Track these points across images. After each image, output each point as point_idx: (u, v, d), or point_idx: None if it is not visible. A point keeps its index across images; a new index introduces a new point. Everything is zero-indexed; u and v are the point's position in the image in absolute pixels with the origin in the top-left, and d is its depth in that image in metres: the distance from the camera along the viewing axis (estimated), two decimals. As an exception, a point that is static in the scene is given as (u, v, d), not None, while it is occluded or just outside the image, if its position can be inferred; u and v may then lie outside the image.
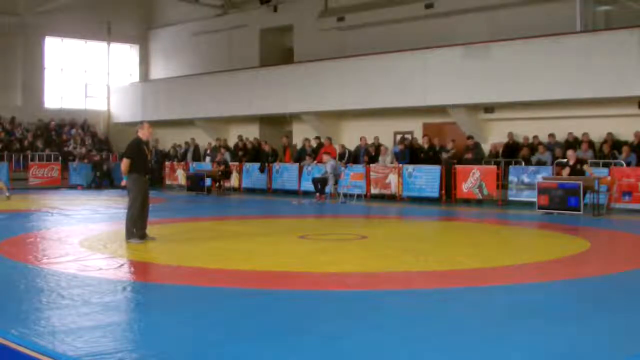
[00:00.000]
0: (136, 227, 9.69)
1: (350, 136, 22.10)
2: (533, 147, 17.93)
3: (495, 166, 17.50)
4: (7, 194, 18.36)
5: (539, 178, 15.58)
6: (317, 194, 18.35)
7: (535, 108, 18.47)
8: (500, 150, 18.60)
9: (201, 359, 4.38)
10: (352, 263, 8.24)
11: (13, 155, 25.12)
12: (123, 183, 10.52)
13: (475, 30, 19.85)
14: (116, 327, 5.11)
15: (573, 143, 17.20)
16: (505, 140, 18.89)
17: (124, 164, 9.77)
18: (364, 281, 7.11)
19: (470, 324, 5.26)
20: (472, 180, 17.44)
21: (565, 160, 15.51)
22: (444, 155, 18.40)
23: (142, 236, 9.75)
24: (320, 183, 18.42)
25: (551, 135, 17.97)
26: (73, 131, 28.09)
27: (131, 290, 6.59)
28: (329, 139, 21.04)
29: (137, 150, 9.77)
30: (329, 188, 18.53)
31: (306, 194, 20.07)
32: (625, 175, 15.19)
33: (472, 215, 15.33)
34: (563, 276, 7.36)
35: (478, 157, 18.21)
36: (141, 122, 10.32)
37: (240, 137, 24.10)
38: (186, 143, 26.18)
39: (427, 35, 20.84)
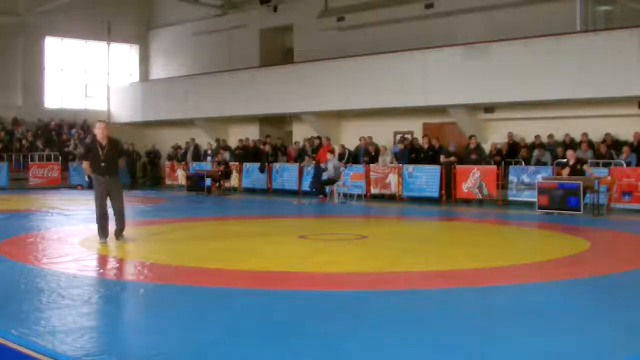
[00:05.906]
0: (102, 225, 9.60)
1: (350, 136, 22.09)
2: (534, 147, 17.91)
3: (495, 166, 17.48)
4: None
5: (539, 178, 15.58)
6: (321, 195, 18.28)
7: (535, 108, 18.46)
8: (505, 150, 18.51)
9: (201, 359, 4.38)
10: (352, 263, 8.24)
11: (13, 155, 25.10)
12: None
13: (475, 30, 19.85)
14: (116, 327, 5.11)
15: (572, 144, 17.17)
16: (505, 140, 18.88)
17: (83, 165, 10.14)
18: (364, 281, 7.10)
19: (470, 324, 5.26)
20: (472, 180, 17.42)
21: (565, 160, 15.50)
22: (443, 159, 18.16)
23: (117, 235, 9.72)
24: (322, 185, 18.34)
25: (550, 136, 17.98)
26: (73, 131, 28.06)
27: (131, 290, 6.59)
28: (328, 138, 21.03)
29: (90, 151, 9.72)
30: (329, 188, 18.47)
31: (306, 194, 20.06)
32: (625, 175, 15.18)
33: (472, 215, 15.33)
34: (563, 276, 7.36)
35: (481, 158, 18.18)
36: (99, 121, 10.09)
37: (268, 136, 23.85)
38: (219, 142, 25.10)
39: (427, 35, 20.83)
